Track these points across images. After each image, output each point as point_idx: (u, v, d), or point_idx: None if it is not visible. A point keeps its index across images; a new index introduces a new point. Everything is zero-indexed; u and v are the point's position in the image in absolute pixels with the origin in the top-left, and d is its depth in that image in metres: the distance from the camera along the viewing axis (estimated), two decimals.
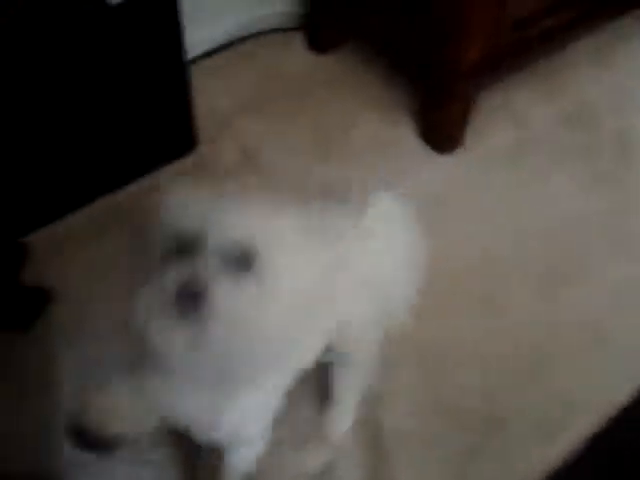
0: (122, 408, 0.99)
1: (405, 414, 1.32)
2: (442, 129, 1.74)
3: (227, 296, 0.75)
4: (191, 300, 0.74)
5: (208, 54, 1.88)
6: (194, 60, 1.77)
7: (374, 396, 1.29)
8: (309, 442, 1.25)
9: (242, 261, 0.78)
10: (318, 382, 1.28)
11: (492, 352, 1.42)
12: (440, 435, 1.30)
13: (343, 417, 1.25)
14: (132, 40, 1.40)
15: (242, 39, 1.92)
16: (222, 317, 0.74)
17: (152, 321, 0.77)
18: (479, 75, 1.64)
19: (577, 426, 1.32)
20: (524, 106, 1.87)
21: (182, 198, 0.83)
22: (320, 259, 0.89)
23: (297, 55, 1.94)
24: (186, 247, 0.78)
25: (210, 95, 1.76)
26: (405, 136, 1.79)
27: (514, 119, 1.84)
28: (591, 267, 1.57)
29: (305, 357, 1.01)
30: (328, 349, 1.07)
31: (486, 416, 1.33)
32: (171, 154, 1.63)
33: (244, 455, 1.05)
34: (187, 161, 1.66)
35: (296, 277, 0.81)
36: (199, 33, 1.71)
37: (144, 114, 1.51)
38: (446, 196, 1.67)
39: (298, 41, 1.96)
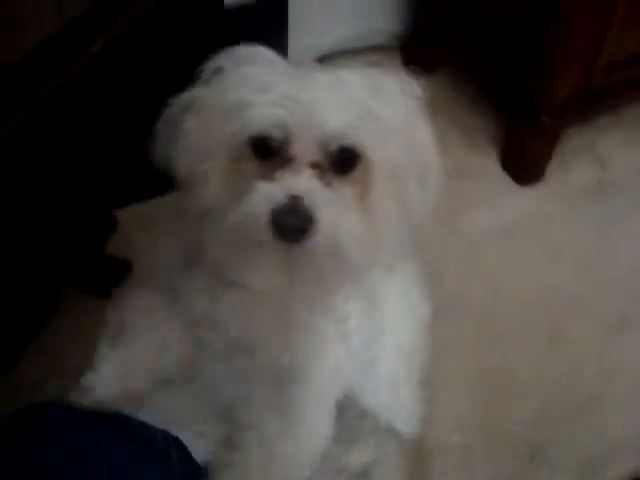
0: None
1: (451, 429, 1.34)
2: (525, 161, 1.76)
3: (332, 216, 0.67)
4: (296, 233, 0.66)
5: None
6: None
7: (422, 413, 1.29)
8: (357, 439, 1.23)
9: (343, 161, 0.70)
10: None
11: (548, 384, 1.42)
12: (483, 455, 1.31)
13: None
14: (243, 42, 1.49)
15: (339, 54, 1.99)
16: (326, 241, 0.68)
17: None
18: (567, 112, 1.66)
19: (620, 465, 1.32)
20: (609, 148, 1.87)
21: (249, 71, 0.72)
22: None
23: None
24: (272, 145, 0.70)
25: None
26: (488, 164, 1.82)
27: (598, 159, 1.84)
28: None
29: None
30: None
31: (533, 444, 1.34)
32: None
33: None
34: None
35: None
36: (299, 45, 1.78)
37: None
38: (523, 227, 1.68)
39: (393, 61, 2.01)
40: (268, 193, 0.66)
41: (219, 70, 0.75)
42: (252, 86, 0.70)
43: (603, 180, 1.80)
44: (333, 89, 0.69)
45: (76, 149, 1.28)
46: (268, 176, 0.69)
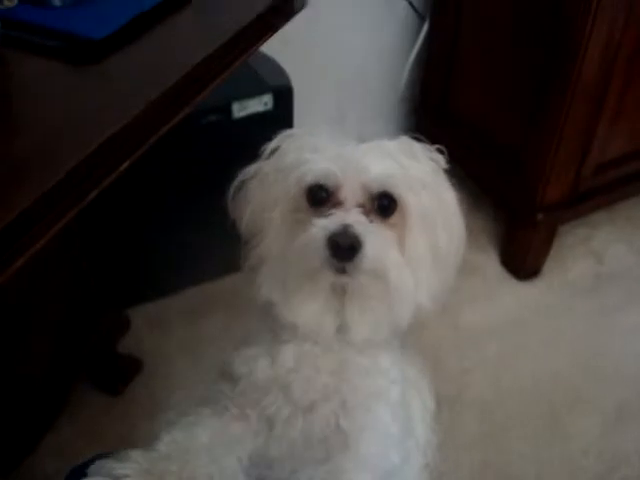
0: None
1: None
2: (523, 257, 1.82)
3: (377, 242, 0.76)
4: (348, 252, 0.75)
5: None
6: None
7: None
8: None
9: (384, 206, 0.80)
10: None
11: (547, 476, 1.44)
12: None
13: None
14: (252, 149, 1.59)
15: None
16: (373, 265, 0.76)
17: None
18: (560, 210, 1.74)
19: None
20: (605, 242, 1.94)
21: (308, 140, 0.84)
22: None
23: None
24: (323, 196, 0.80)
25: None
26: (488, 261, 1.89)
27: (594, 254, 1.91)
28: None
29: None
30: None
31: None
32: None
33: None
34: None
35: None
36: None
37: None
38: (522, 321, 1.74)
39: None
40: (324, 225, 0.77)
41: (276, 149, 0.87)
42: (307, 148, 0.83)
43: (599, 274, 1.86)
44: (374, 148, 0.83)
45: (89, 249, 1.36)
46: (322, 216, 0.80)
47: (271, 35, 0.80)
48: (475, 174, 1.87)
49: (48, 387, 1.31)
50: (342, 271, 0.77)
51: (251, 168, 0.89)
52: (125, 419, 1.49)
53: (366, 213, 0.80)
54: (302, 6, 0.86)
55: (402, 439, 0.94)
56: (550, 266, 1.85)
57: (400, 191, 0.80)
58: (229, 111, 1.53)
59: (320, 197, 0.81)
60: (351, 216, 0.78)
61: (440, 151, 0.87)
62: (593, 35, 1.46)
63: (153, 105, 0.65)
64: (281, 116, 1.60)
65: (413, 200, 0.81)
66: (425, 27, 1.95)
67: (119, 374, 1.55)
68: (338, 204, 0.80)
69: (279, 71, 1.62)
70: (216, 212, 1.65)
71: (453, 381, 1.58)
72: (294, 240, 0.80)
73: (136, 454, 0.84)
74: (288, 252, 0.81)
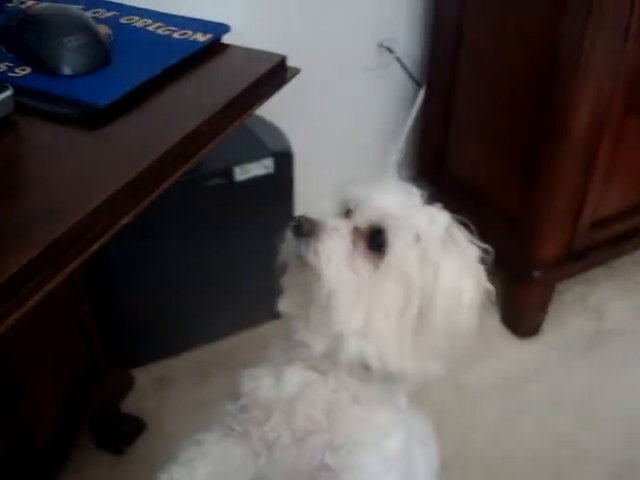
0: None
1: None
2: (521, 315, 1.85)
3: (333, 245, 0.80)
4: (306, 230, 0.80)
5: None
6: None
7: None
8: None
9: (375, 241, 0.81)
10: None
11: None
12: None
13: None
14: (254, 211, 1.65)
15: None
16: (318, 254, 0.80)
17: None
18: (558, 267, 1.77)
19: None
20: (604, 299, 1.96)
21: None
22: None
23: None
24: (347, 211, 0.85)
25: None
26: (488, 319, 1.89)
27: (594, 310, 1.93)
28: None
29: None
30: None
31: None
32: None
33: None
34: None
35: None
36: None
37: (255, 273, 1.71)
38: (523, 379, 1.74)
39: None
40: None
41: None
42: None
43: (599, 331, 1.87)
44: (398, 188, 0.87)
45: (94, 308, 1.39)
46: None
47: (263, 102, 0.85)
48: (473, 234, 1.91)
49: (50, 446, 1.32)
50: (300, 258, 0.81)
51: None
52: (126, 478, 1.50)
53: (357, 237, 0.82)
54: (293, 75, 0.91)
55: None
56: (550, 323, 1.87)
57: (393, 231, 0.81)
58: (231, 175, 1.58)
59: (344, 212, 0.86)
60: (334, 222, 0.82)
61: (486, 251, 0.90)
62: (583, 95, 1.52)
63: (151, 167, 0.70)
64: (282, 179, 1.66)
65: (399, 246, 0.81)
66: (421, 94, 2.02)
67: (122, 434, 1.56)
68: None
69: (280, 136, 1.68)
70: (220, 273, 1.70)
71: (454, 441, 1.57)
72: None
73: None
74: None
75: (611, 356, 1.81)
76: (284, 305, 0.88)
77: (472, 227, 0.91)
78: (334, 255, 0.80)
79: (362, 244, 0.82)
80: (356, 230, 0.83)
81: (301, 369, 0.89)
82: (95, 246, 0.59)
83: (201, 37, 0.91)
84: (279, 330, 0.93)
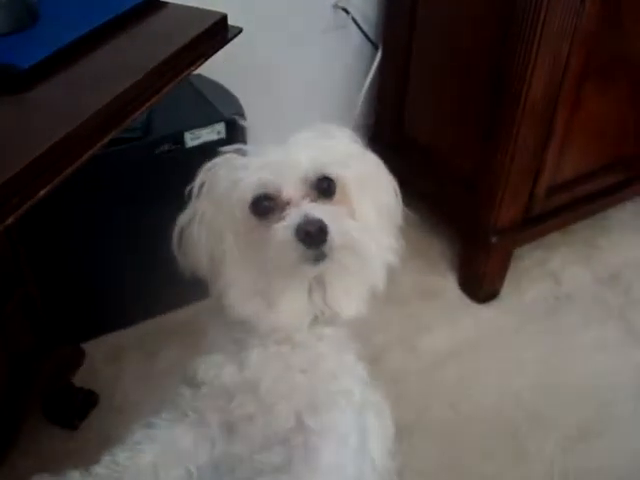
0: None
1: None
2: (480, 281, 1.84)
3: (336, 222, 0.79)
4: (318, 235, 0.78)
5: None
6: None
7: None
8: None
9: (325, 189, 0.83)
10: None
11: None
12: None
13: None
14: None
15: None
16: (343, 239, 0.80)
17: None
18: (515, 233, 1.76)
19: None
20: (561, 264, 1.96)
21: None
22: None
23: None
24: (267, 205, 0.82)
25: None
26: (447, 286, 1.90)
27: (551, 275, 1.93)
28: (619, 423, 1.59)
29: None
30: None
31: None
32: None
33: None
34: None
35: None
36: None
37: None
38: (481, 344, 1.75)
39: None
40: (285, 224, 0.79)
41: (202, 185, 0.88)
42: (235, 169, 0.84)
43: (557, 295, 1.88)
44: (295, 144, 0.85)
45: (40, 281, 1.35)
46: (277, 222, 0.82)
47: (201, 63, 0.80)
48: (431, 199, 1.89)
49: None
50: (320, 257, 0.79)
51: (186, 213, 0.90)
52: (81, 453, 1.47)
53: (313, 201, 0.82)
54: (235, 35, 0.86)
55: (358, 453, 0.94)
56: (508, 289, 1.87)
57: (331, 169, 0.84)
58: (182, 140, 1.53)
59: (266, 207, 0.82)
60: (303, 207, 0.80)
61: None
62: (539, 58, 1.49)
63: (80, 129, 0.65)
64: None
65: (347, 173, 0.85)
66: (378, 55, 1.98)
67: (75, 408, 1.53)
68: (286, 205, 0.82)
69: (232, 100, 1.64)
70: (171, 243, 1.66)
71: (413, 406, 1.57)
72: (259, 255, 0.82)
73: (73, 475, 0.85)
74: (258, 264, 0.82)
75: (569, 321, 1.81)
76: (241, 309, 0.86)
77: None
78: (349, 229, 0.81)
79: (322, 201, 0.83)
80: (308, 197, 0.83)
81: (266, 349, 0.88)
82: (9, 220, 0.54)
83: None
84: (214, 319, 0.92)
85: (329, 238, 0.78)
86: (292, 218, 0.79)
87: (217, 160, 0.88)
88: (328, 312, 0.87)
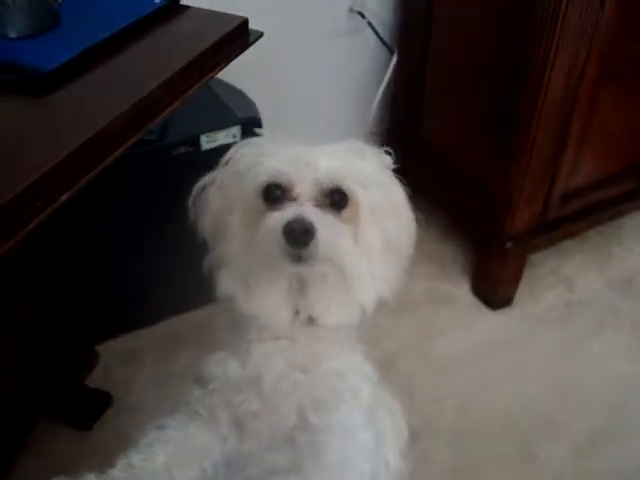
0: None
1: None
2: (494, 286, 1.83)
3: (328, 233, 0.80)
4: (302, 237, 0.78)
5: None
6: None
7: None
8: None
9: (335, 201, 0.84)
10: None
11: None
12: None
13: None
14: None
15: None
16: (327, 251, 0.80)
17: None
18: (529, 239, 1.76)
19: None
20: (575, 270, 1.95)
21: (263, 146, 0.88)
22: None
23: None
24: (278, 194, 0.84)
25: None
26: (460, 291, 1.89)
27: (564, 282, 1.92)
28: (630, 429, 1.58)
29: None
30: None
31: None
32: None
33: None
34: None
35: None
36: None
37: None
38: (493, 350, 1.74)
39: None
40: (279, 215, 0.81)
41: (230, 158, 0.91)
42: (261, 153, 0.86)
43: (570, 302, 1.87)
44: (325, 149, 0.87)
45: (56, 283, 1.35)
46: (277, 211, 0.84)
47: (223, 67, 0.81)
48: (445, 205, 1.89)
49: (11, 421, 1.29)
50: (298, 259, 0.80)
51: (209, 175, 0.93)
52: (94, 454, 1.47)
53: (319, 207, 0.84)
54: (256, 39, 0.87)
55: (374, 451, 0.94)
56: (522, 295, 1.86)
57: (350, 186, 0.84)
58: (197, 143, 1.54)
59: (275, 195, 0.84)
60: (304, 207, 0.82)
61: (387, 152, 0.91)
62: (556, 65, 1.48)
63: (104, 131, 0.66)
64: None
65: (363, 194, 0.85)
66: (394, 60, 1.98)
67: (88, 409, 1.53)
68: (293, 201, 0.84)
69: (248, 103, 1.64)
70: (187, 244, 1.66)
71: (424, 411, 1.57)
72: (253, 236, 0.84)
73: (89, 478, 0.86)
74: (248, 246, 0.85)
75: (581, 327, 1.80)
76: (226, 287, 0.88)
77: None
78: (339, 244, 0.82)
79: (329, 211, 0.84)
80: (316, 202, 0.84)
81: (266, 344, 0.90)
82: (32, 225, 0.55)
83: None
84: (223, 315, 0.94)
85: (312, 244, 0.79)
86: (287, 213, 0.80)
87: (250, 139, 0.91)
88: (305, 314, 0.87)
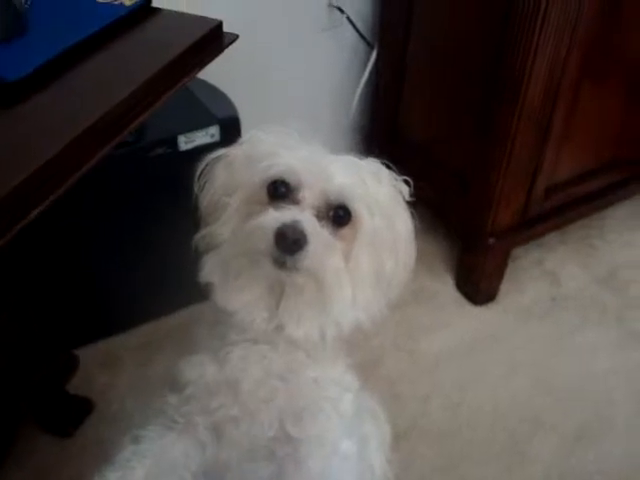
0: None
1: None
2: (477, 282, 1.82)
3: (320, 243, 0.78)
4: (292, 244, 0.77)
5: None
6: None
7: None
8: None
9: (338, 217, 0.83)
10: None
11: None
12: None
13: None
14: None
15: None
16: (312, 265, 0.79)
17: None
18: (512, 234, 1.75)
19: None
20: (559, 264, 1.95)
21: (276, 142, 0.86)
22: None
23: None
24: (283, 192, 0.82)
25: None
26: (444, 287, 1.89)
27: (548, 276, 1.92)
28: (615, 423, 1.58)
29: None
30: None
31: None
32: None
33: None
34: None
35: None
36: None
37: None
38: (479, 346, 1.73)
39: None
40: (276, 215, 0.79)
41: (249, 139, 0.90)
42: (280, 145, 0.85)
43: (555, 296, 1.87)
44: (343, 160, 0.85)
45: (32, 287, 1.32)
46: (277, 209, 0.82)
47: (196, 72, 0.78)
48: (427, 200, 1.87)
49: None
50: (282, 265, 0.78)
51: (222, 150, 0.91)
52: (76, 461, 1.45)
53: (319, 218, 0.82)
54: (231, 42, 0.84)
55: (357, 459, 0.93)
56: (506, 289, 1.86)
57: (357, 207, 0.83)
58: (175, 144, 1.51)
59: (280, 192, 0.83)
60: (304, 214, 0.80)
61: (406, 182, 0.89)
62: (537, 59, 1.46)
63: (74, 142, 0.63)
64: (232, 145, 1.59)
65: (367, 220, 0.84)
66: (374, 55, 1.96)
67: (69, 416, 1.51)
68: (296, 203, 0.82)
69: (226, 102, 1.61)
70: (165, 247, 1.64)
71: (410, 410, 1.57)
72: (245, 226, 0.82)
73: None
74: (238, 234, 0.84)
75: (567, 321, 1.80)
76: (208, 273, 0.87)
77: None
78: (327, 262, 0.81)
79: (327, 224, 0.83)
80: (317, 211, 0.83)
81: (245, 347, 0.88)
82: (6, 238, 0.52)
83: (128, 0, 0.84)
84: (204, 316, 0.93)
85: (299, 254, 0.78)
86: (285, 215, 0.79)
87: (275, 128, 0.90)
88: (276, 320, 0.86)
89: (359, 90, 2.03)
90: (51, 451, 1.47)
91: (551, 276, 1.92)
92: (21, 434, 1.42)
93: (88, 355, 1.59)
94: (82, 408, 1.53)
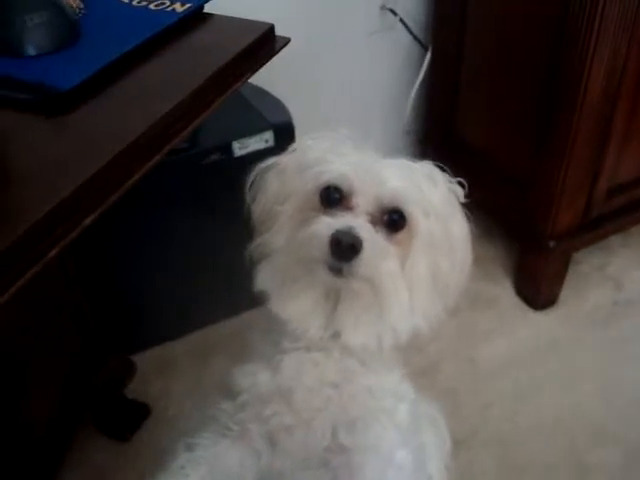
0: None
1: None
2: (537, 286, 1.78)
3: (374, 253, 0.77)
4: (347, 251, 0.76)
5: None
6: None
7: None
8: None
9: (392, 221, 0.82)
10: None
11: None
12: None
13: None
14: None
15: None
16: (368, 271, 0.78)
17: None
18: (573, 237, 1.70)
19: None
20: (621, 268, 1.89)
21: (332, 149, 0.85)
22: None
23: None
24: (336, 199, 0.82)
25: None
26: (503, 292, 1.84)
27: (611, 280, 1.86)
28: None
29: None
30: None
31: None
32: None
33: None
34: None
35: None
36: None
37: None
38: (539, 354, 1.69)
39: None
40: (330, 222, 0.78)
41: (300, 146, 0.90)
42: (331, 151, 0.85)
43: (617, 301, 1.81)
44: (396, 164, 0.84)
45: (91, 294, 1.34)
46: (330, 216, 0.81)
47: (249, 76, 0.78)
48: (485, 203, 1.83)
49: (50, 436, 1.28)
50: (338, 272, 0.77)
51: (272, 159, 0.90)
52: (133, 466, 1.46)
53: (374, 223, 0.81)
54: (283, 45, 0.84)
55: (414, 469, 0.91)
56: (567, 294, 1.81)
57: (412, 210, 0.82)
58: (230, 150, 1.52)
59: (333, 199, 0.82)
60: (357, 220, 0.79)
61: (461, 184, 0.87)
62: (596, 57, 1.43)
63: (124, 153, 0.63)
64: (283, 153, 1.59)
65: (423, 223, 0.82)
66: (428, 57, 1.93)
67: (127, 420, 1.52)
68: (349, 209, 0.81)
69: (279, 107, 1.61)
70: (220, 253, 1.65)
71: (470, 418, 1.53)
72: (299, 234, 0.82)
73: None
74: (292, 242, 0.83)
75: (630, 327, 1.74)
76: (262, 281, 0.86)
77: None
78: (382, 267, 0.79)
79: (381, 229, 0.82)
80: (371, 217, 0.82)
81: (298, 355, 0.87)
82: (53, 252, 0.52)
83: (179, 7, 0.84)
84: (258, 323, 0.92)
85: (355, 260, 0.76)
86: (339, 222, 0.78)
87: (326, 133, 0.89)
88: (333, 327, 0.84)
89: (413, 93, 2.01)
90: (107, 455, 1.49)
91: (613, 281, 1.86)
92: (79, 438, 1.44)
93: (144, 361, 1.61)
94: (139, 413, 1.54)
